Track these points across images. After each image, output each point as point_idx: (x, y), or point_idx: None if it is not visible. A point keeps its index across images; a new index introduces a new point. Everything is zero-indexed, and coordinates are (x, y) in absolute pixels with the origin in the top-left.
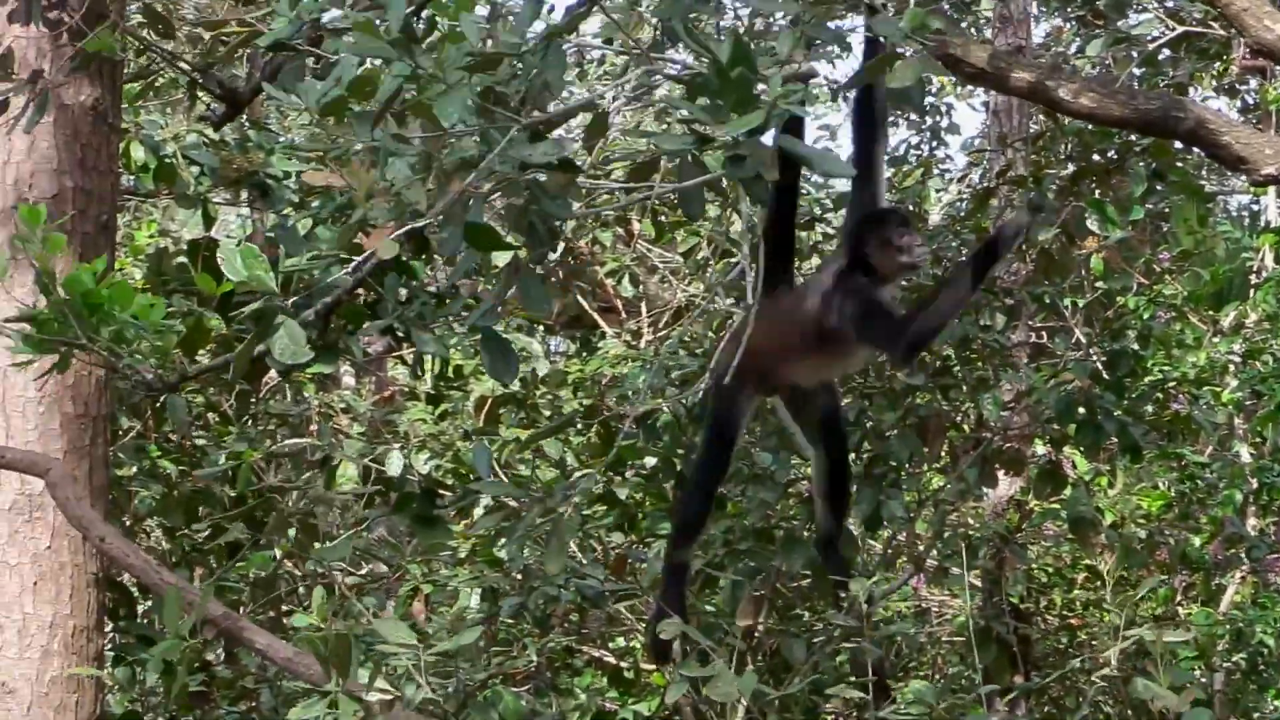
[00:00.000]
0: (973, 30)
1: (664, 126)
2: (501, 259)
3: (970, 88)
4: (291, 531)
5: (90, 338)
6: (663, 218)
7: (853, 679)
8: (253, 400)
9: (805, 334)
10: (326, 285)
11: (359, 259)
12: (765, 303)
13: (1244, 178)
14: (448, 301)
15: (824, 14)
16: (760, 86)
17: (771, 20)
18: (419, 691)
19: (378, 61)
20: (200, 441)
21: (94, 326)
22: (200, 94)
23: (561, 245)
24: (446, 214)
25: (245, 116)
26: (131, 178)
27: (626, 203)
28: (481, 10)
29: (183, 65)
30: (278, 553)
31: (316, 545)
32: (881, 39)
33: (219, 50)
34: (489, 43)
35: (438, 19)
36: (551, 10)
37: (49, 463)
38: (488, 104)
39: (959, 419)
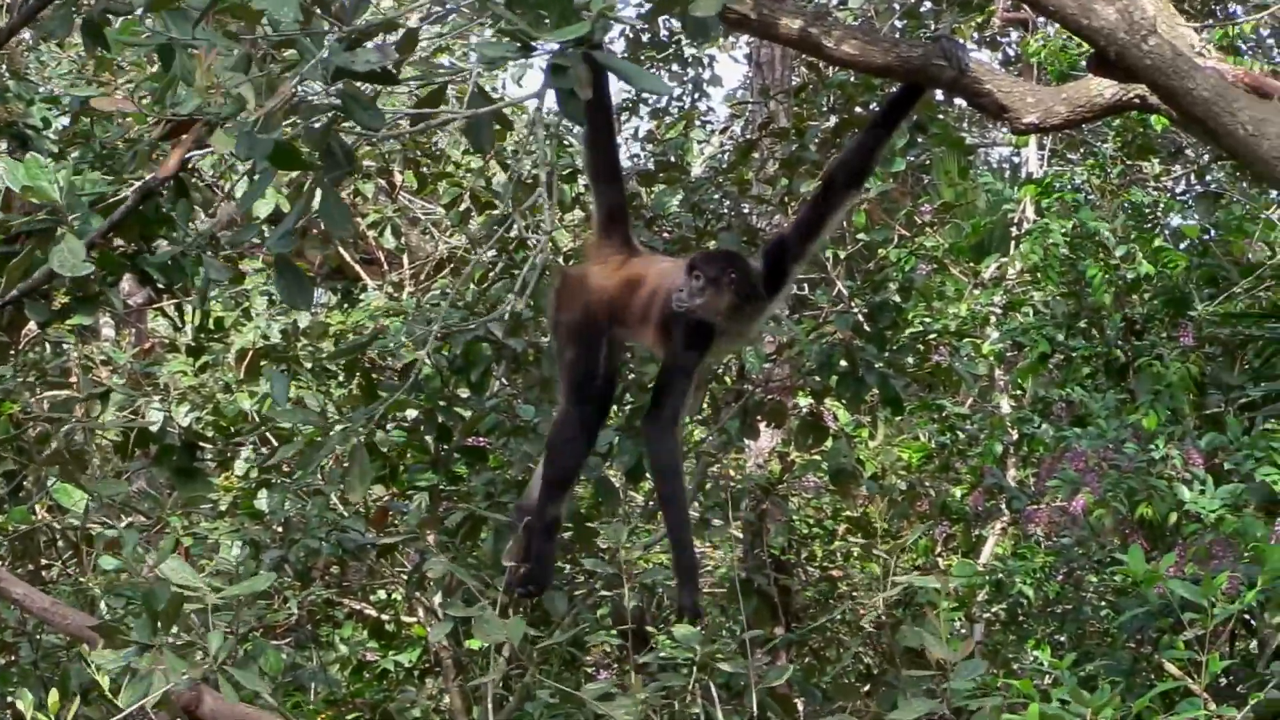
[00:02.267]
0: None
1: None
2: (264, 207)
3: (733, 40)
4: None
5: None
6: (424, 169)
7: (614, 630)
8: (12, 352)
9: (650, 314)
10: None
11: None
12: (607, 244)
13: (1006, 127)
14: (209, 252)
15: None
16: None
17: None
18: (211, 636)
19: None
20: None
21: None
22: None
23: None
24: (267, 119)
25: (5, 66)
26: None
27: (420, 128)
28: None
29: None
30: (37, 509)
31: (75, 496)
32: None
33: None
34: None
35: None
36: None
37: None
38: (311, 10)
39: (720, 371)
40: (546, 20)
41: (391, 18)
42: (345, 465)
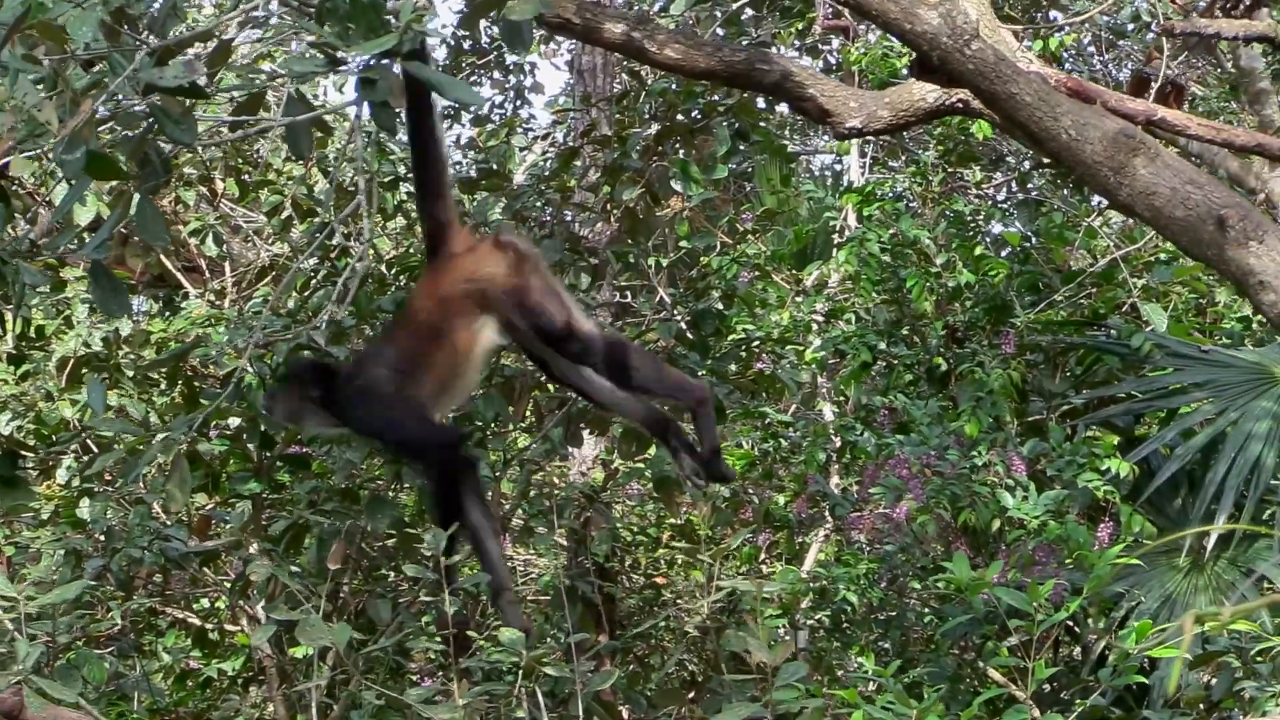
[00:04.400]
0: None
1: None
2: (84, 215)
3: (555, 46)
4: None
5: None
6: (246, 176)
7: (437, 636)
8: None
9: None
10: None
11: None
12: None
13: (829, 131)
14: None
15: None
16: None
17: None
18: (19, 644)
19: None
20: None
21: None
22: None
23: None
24: (73, 137)
25: None
26: None
27: (238, 136)
28: None
29: None
30: None
31: None
32: None
33: None
34: None
35: None
36: None
37: None
38: (117, 26)
39: (544, 379)
40: (354, 31)
41: (204, 30)
42: (166, 474)
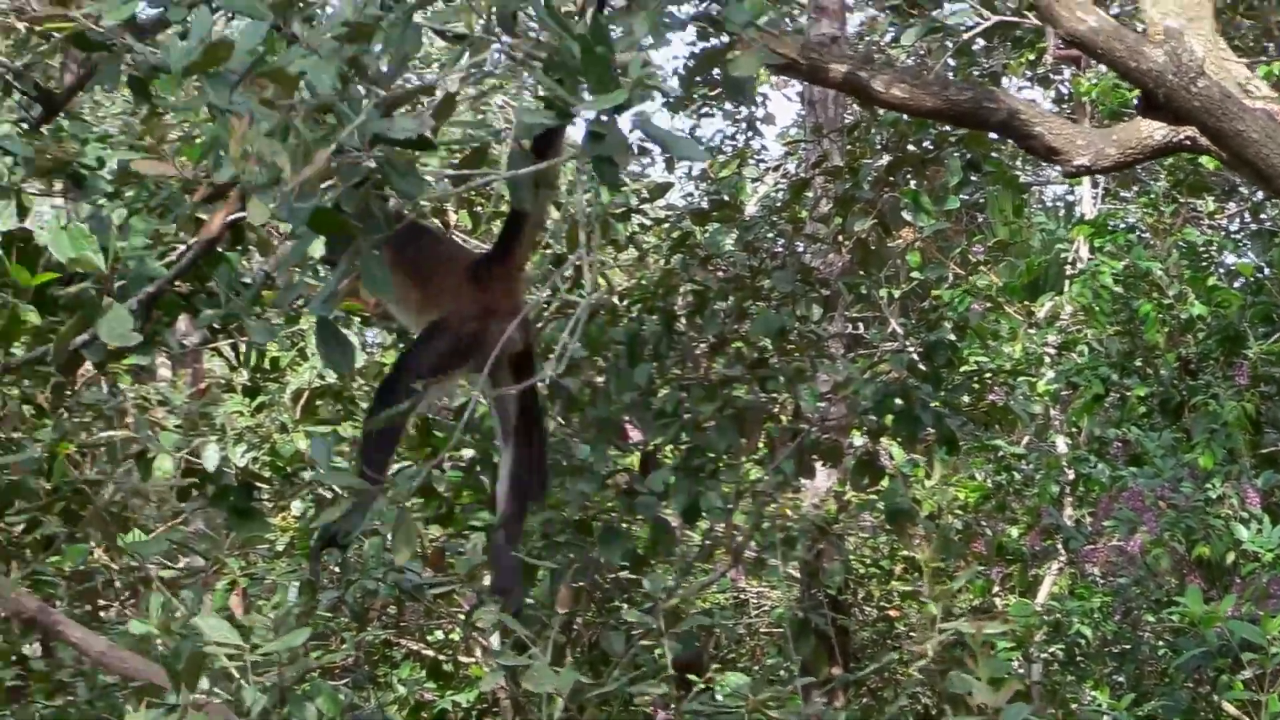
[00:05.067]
0: (788, 19)
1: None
2: (320, 250)
3: (784, 78)
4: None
5: None
6: (479, 209)
7: (672, 672)
8: (69, 393)
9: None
10: (148, 273)
11: (184, 247)
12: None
13: (1057, 169)
14: (264, 294)
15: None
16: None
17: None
18: (245, 692)
19: (231, 28)
20: (16, 435)
21: None
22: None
23: None
24: (304, 187)
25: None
26: None
27: (461, 189)
28: None
29: None
30: (93, 546)
31: (128, 538)
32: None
33: (34, 45)
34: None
35: None
36: None
37: None
38: (349, 77)
39: (776, 410)
40: (583, 85)
41: (428, 83)
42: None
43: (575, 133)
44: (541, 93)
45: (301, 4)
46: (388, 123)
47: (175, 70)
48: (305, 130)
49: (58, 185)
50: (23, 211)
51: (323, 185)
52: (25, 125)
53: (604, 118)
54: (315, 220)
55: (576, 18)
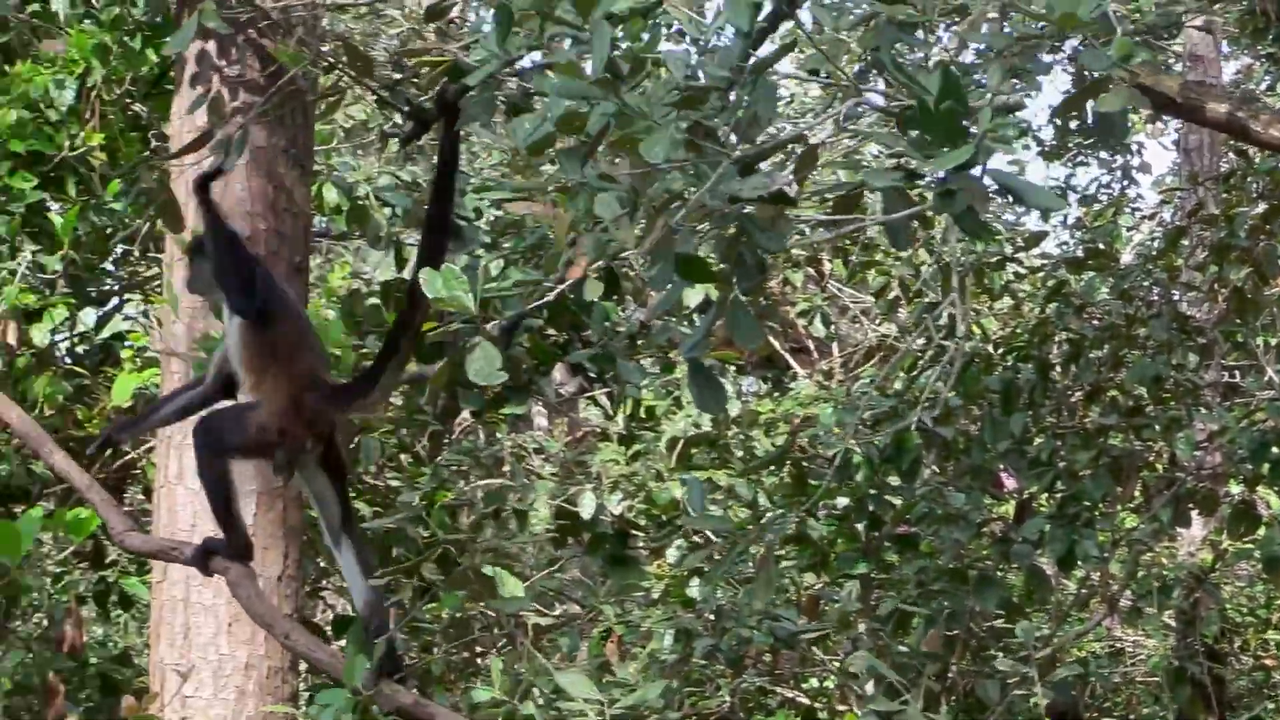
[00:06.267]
0: (1163, 67)
1: (868, 158)
2: (694, 297)
3: (1161, 125)
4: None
5: None
6: (852, 258)
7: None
8: (445, 441)
9: None
10: (516, 313)
11: (554, 289)
12: None
13: None
14: (638, 341)
15: (1032, 45)
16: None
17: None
18: None
19: None
20: (394, 483)
21: None
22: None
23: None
24: (655, 249)
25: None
26: (324, 220)
27: (834, 235)
28: (674, 46)
29: (370, 82)
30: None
31: (505, 587)
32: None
33: (414, 74)
34: (699, 75)
35: (642, 55)
36: (756, 39)
37: (228, 564)
38: (695, 139)
39: (1152, 459)
40: (931, 141)
41: (783, 139)
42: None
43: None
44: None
45: (631, 82)
46: (739, 183)
47: (522, 148)
48: (653, 195)
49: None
50: (401, 262)
51: (697, 229)
52: (396, 137)
53: (954, 175)
54: (684, 269)
55: (929, 68)
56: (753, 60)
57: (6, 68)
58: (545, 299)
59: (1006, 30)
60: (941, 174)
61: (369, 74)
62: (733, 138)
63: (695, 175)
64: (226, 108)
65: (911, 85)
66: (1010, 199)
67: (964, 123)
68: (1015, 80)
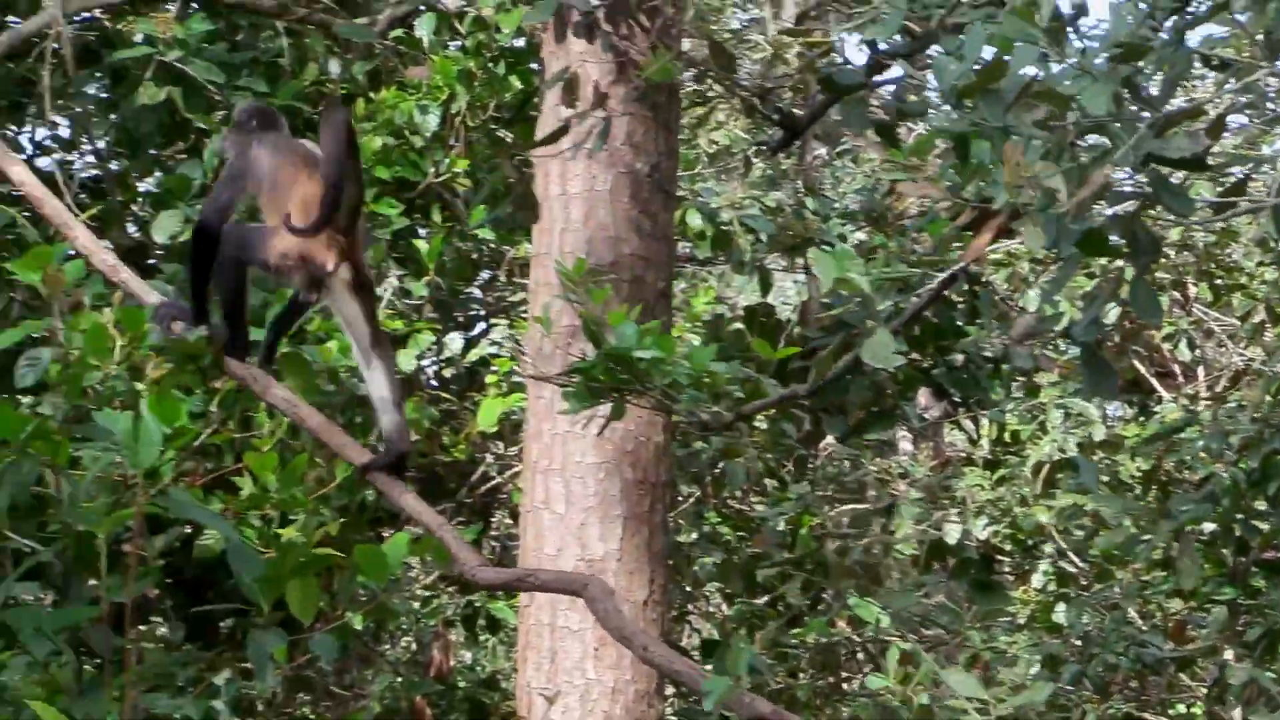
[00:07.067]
0: None
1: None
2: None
3: None
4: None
5: (643, 382)
6: (1219, 281)
7: None
8: (810, 465)
9: None
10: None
11: (943, 275)
12: None
13: None
14: (1003, 366)
15: None
16: None
17: None
18: None
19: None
20: (759, 508)
21: (646, 371)
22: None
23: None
24: (1079, 208)
25: (801, 183)
26: (688, 245)
27: (1223, 217)
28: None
29: (740, 89)
30: (834, 616)
31: (870, 612)
32: None
33: (780, 69)
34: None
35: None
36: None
37: (585, 579)
38: (1122, 97)
39: None
40: None
41: (1199, 104)
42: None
43: None
44: None
45: (1071, 28)
46: (1162, 142)
47: (947, 89)
48: (1080, 151)
49: (799, 261)
50: (766, 287)
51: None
52: (766, 146)
53: None
54: (1084, 243)
55: None
56: (1173, 20)
57: (372, 94)
58: (937, 285)
59: None
60: None
61: (731, 71)
62: (1151, 103)
63: (1110, 137)
64: (582, 89)
65: None
66: None
67: None
68: None
